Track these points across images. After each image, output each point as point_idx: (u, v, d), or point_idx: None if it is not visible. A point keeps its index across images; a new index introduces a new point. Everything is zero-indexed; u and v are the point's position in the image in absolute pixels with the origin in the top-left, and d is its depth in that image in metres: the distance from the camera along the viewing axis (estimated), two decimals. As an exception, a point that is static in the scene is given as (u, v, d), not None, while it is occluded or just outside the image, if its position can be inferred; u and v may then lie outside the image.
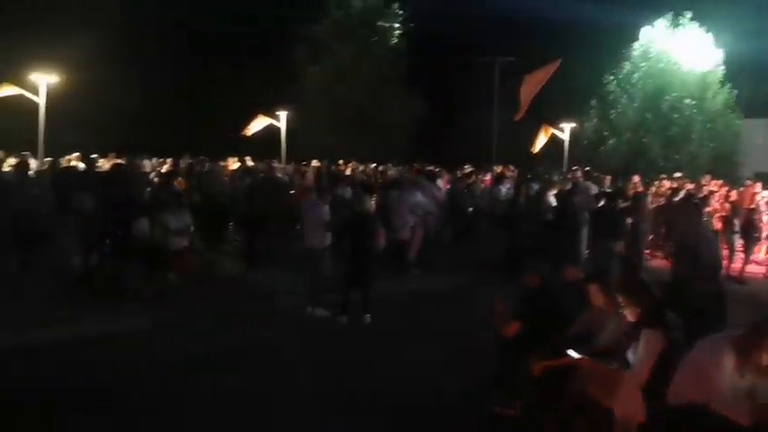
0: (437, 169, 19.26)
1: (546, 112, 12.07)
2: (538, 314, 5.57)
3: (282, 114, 24.71)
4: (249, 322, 8.42)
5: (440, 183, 13.81)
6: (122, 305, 8.67)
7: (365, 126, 35.12)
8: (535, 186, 14.00)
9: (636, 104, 31.29)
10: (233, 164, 18.96)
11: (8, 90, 15.74)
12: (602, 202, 11.14)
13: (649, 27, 31.46)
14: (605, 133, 32.24)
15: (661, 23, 31.27)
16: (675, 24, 30.99)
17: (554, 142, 23.66)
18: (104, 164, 15.18)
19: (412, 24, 35.38)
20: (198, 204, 12.47)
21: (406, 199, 11.32)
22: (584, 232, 11.00)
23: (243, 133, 23.82)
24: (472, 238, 13.58)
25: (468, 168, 20.75)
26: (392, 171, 22.69)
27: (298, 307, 8.92)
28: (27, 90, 15.82)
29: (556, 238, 10.46)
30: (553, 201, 12.02)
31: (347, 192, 11.90)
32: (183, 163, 17.51)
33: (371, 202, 9.08)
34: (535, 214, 11.84)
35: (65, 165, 14.19)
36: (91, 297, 8.87)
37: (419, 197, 11.68)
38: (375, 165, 26.25)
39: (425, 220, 11.84)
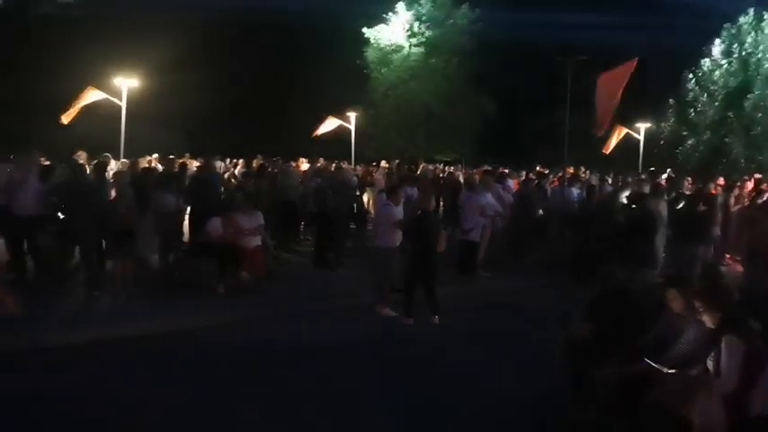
0: (506, 170, 19.06)
1: (619, 111, 11.73)
2: (612, 319, 5.43)
3: (352, 115, 24.93)
4: (318, 321, 8.53)
5: (510, 184, 13.64)
6: (198, 302, 8.93)
7: (434, 127, 35.06)
8: (608, 188, 13.66)
9: (716, 103, 30.09)
10: (303, 164, 19.26)
11: (94, 95, 16.45)
12: (681, 205, 10.78)
13: (730, 24, 30.24)
14: (683, 133, 31.17)
15: (744, 20, 30.00)
16: (759, 20, 29.67)
17: (628, 143, 23.02)
18: (180, 164, 15.68)
19: (481, 23, 35.09)
20: (270, 204, 12.73)
21: (475, 200, 11.23)
22: (662, 236, 10.63)
23: (313, 135, 24.16)
24: (543, 240, 13.36)
25: (538, 169, 20.44)
26: (459, 172, 22.56)
27: (365, 306, 8.98)
28: (110, 94, 16.53)
29: (630, 241, 10.15)
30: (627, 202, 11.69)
31: (415, 192, 11.90)
32: (256, 163, 17.88)
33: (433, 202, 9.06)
34: (608, 217, 11.53)
35: (144, 165, 14.75)
36: (169, 293, 9.16)
37: (488, 198, 11.57)
38: (443, 165, 26.18)
39: (495, 221, 11.72)
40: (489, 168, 16.91)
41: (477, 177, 13.14)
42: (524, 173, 19.98)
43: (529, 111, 39.42)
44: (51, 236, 9.22)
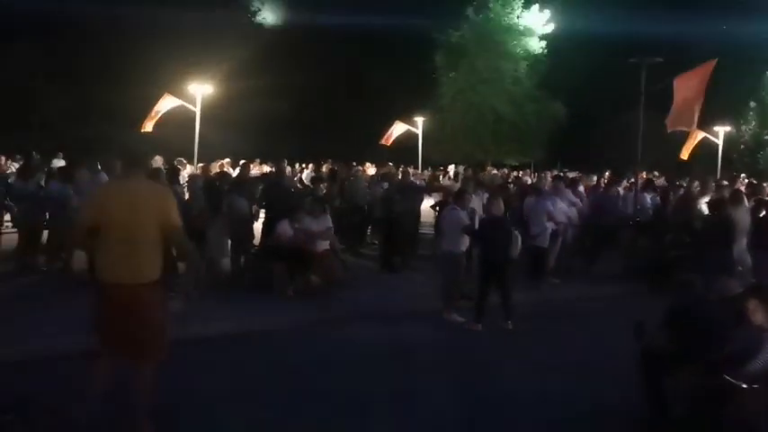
0: (578, 175, 18.69)
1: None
2: (689, 329, 5.25)
3: (419, 120, 24.97)
4: (384, 324, 8.57)
5: (580, 189, 13.36)
6: (268, 304, 9.11)
7: (502, 131, 34.73)
8: (685, 194, 13.23)
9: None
10: (369, 169, 19.42)
11: (170, 101, 17.06)
12: (762, 213, 10.35)
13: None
14: (766, 137, 29.84)
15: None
16: None
17: (706, 147, 22.22)
18: (252, 168, 16.09)
19: (552, 26, 34.56)
20: (339, 208, 12.89)
21: (541, 205, 11.06)
22: (743, 244, 10.22)
23: (381, 141, 24.32)
24: (615, 246, 13.05)
25: (610, 174, 19.96)
26: (528, 177, 22.29)
27: (433, 311, 8.97)
28: (185, 100, 17.11)
29: (708, 248, 9.79)
30: (705, 209, 11.29)
31: (483, 197, 11.81)
32: (326, 168, 18.15)
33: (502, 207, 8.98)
34: (684, 223, 11.16)
35: (216, 169, 15.19)
36: (240, 296, 9.38)
37: (558, 203, 11.37)
38: (512, 170, 25.91)
39: (565, 227, 11.51)
40: (559, 173, 16.64)
41: (547, 183, 12.95)
42: (596, 178, 19.57)
43: (600, 114, 38.56)
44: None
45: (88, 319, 4.87)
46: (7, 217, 11.77)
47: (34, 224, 10.42)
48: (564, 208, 11.46)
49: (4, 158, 19.21)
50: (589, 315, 9.49)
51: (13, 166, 17.42)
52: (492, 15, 34.61)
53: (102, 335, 4.73)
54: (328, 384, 6.37)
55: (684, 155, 21.27)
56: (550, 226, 10.95)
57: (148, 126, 17.22)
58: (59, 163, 17.88)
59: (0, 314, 7.75)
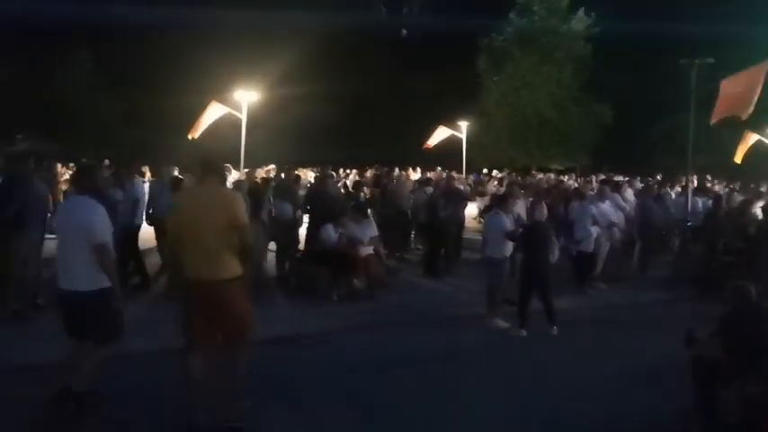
0: (625, 178, 18.35)
1: (748, 117, 10.86)
2: (743, 337, 5.09)
3: (463, 125, 24.88)
4: (428, 329, 8.54)
5: (628, 193, 13.12)
6: (312, 308, 9.17)
7: (547, 135, 34.38)
8: (738, 197, 12.89)
9: None
10: (413, 174, 19.43)
11: (217, 109, 17.31)
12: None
13: None
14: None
15: None
16: None
17: (759, 150, 21.54)
18: (296, 174, 16.22)
19: (598, 28, 34.05)
20: (382, 213, 12.93)
21: (585, 209, 10.90)
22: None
23: (424, 146, 24.31)
24: (664, 252, 12.75)
25: (658, 177, 19.55)
26: (572, 181, 21.98)
27: (477, 316, 8.91)
28: (230, 107, 17.38)
29: (762, 254, 9.50)
30: (759, 214, 10.96)
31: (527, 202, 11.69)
32: (370, 173, 18.22)
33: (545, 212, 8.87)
34: (738, 228, 10.85)
35: (262, 175, 15.40)
36: (284, 299, 9.47)
37: (602, 208, 11.19)
38: (558, 174, 25.62)
39: (611, 231, 11.31)
40: (605, 177, 16.36)
41: (593, 187, 12.76)
42: (643, 182, 19.18)
43: (648, 117, 37.73)
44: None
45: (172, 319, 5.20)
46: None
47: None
48: (610, 212, 11.27)
49: (60, 165, 19.81)
50: (637, 321, 9.28)
51: (68, 173, 17.95)
52: (536, 18, 34.32)
53: (192, 329, 5.13)
54: (367, 386, 6.37)
55: (738, 158, 20.67)
56: (596, 230, 10.78)
57: (196, 133, 17.53)
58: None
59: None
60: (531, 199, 11.04)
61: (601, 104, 33.94)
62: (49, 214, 8.48)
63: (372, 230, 10.27)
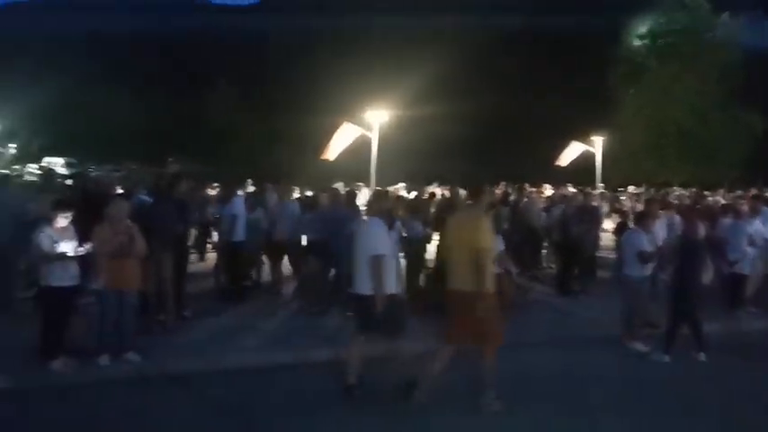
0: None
1: None
2: None
3: (597, 139, 24.05)
4: (561, 350, 8.27)
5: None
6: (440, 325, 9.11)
7: (688, 148, 32.40)
8: None
9: None
10: (546, 191, 19.00)
11: (349, 129, 17.82)
12: None
13: None
14: None
15: None
16: None
17: None
18: (428, 193, 16.34)
19: (746, 32, 31.78)
20: (512, 231, 12.70)
21: (740, 228, 10.15)
22: None
23: (555, 163, 23.75)
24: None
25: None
26: (719, 197, 20.54)
27: (612, 338, 8.53)
28: (361, 126, 17.86)
29: None
30: None
31: (675, 219, 11.07)
32: (499, 190, 18.01)
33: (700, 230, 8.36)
34: None
35: (392, 193, 15.63)
36: (413, 317, 9.46)
37: (758, 226, 10.38)
38: (699, 189, 24.11)
39: (765, 251, 10.46)
40: (759, 193, 15.19)
41: (743, 203, 11.88)
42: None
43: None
44: (317, 259, 10.06)
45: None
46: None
47: (230, 245, 11.30)
48: (764, 230, 10.45)
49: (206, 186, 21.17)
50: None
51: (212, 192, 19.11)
52: (678, 27, 32.58)
53: (450, 331, 6.19)
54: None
55: None
56: (751, 251, 10.03)
57: (330, 154, 18.05)
58: (250, 189, 19.37)
59: (202, 328, 8.54)
60: (677, 216, 10.49)
61: (752, 113, 31.55)
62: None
63: (500, 248, 10.11)
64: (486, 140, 39.52)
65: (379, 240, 6.29)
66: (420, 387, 6.14)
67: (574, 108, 36.76)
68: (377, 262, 6.18)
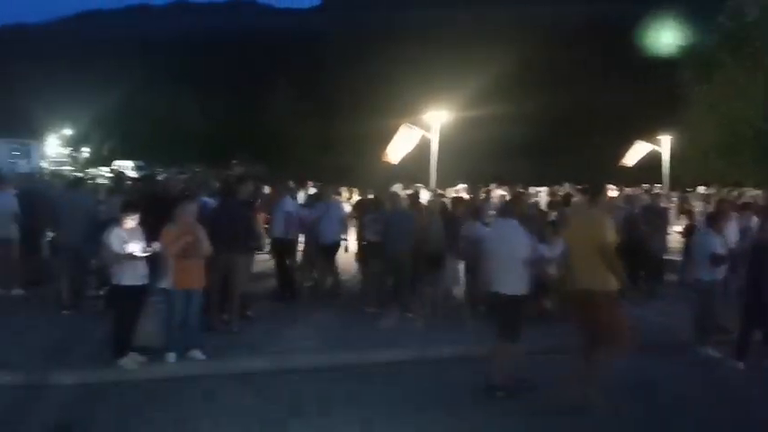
0: None
1: None
2: None
3: (664, 139, 23.33)
4: (630, 356, 8.02)
5: None
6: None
7: (764, 148, 31.00)
8: None
9: None
10: (610, 192, 18.53)
11: (409, 132, 17.70)
12: None
13: None
14: None
15: None
16: None
17: None
18: (486, 193, 16.17)
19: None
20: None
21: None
22: None
23: (622, 163, 23.14)
24: None
25: None
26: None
27: (681, 344, 8.25)
28: (420, 126, 17.78)
29: None
30: None
31: (752, 220, 10.62)
32: (562, 192, 17.68)
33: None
34: None
35: (452, 195, 15.51)
36: (471, 321, 9.36)
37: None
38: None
39: None
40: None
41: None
42: None
43: None
44: (377, 261, 10.08)
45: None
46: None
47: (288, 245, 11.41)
48: None
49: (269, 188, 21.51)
50: None
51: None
52: (749, 20, 31.26)
53: (579, 331, 6.36)
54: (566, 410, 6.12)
55: None
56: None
57: (392, 157, 17.95)
58: (311, 191, 19.59)
59: (265, 328, 8.66)
60: (755, 217, 10.08)
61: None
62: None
63: (559, 251, 9.89)
64: (548, 140, 38.85)
65: (525, 243, 6.55)
66: (590, 389, 6.12)
67: (639, 106, 35.73)
68: (536, 265, 6.58)
